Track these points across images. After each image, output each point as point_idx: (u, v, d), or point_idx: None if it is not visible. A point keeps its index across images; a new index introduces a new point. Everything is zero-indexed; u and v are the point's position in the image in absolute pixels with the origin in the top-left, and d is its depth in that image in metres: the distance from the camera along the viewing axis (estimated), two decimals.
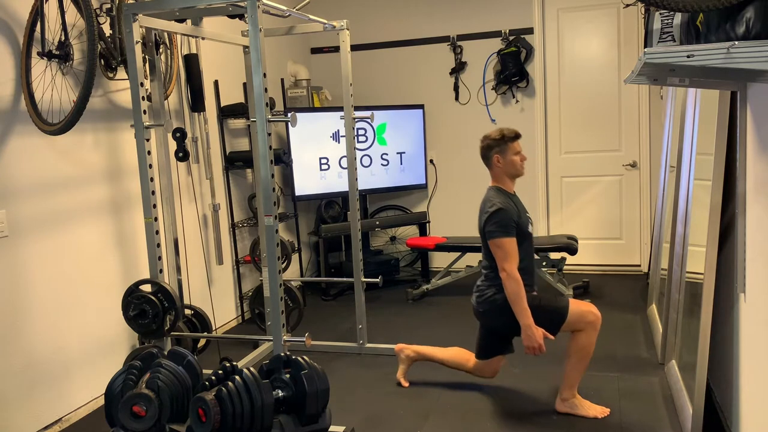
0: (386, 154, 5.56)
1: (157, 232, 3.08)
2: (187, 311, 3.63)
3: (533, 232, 3.18)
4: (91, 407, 3.36)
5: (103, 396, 2.38)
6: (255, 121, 2.80)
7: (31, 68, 2.98)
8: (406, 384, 3.41)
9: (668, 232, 3.65)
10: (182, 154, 3.57)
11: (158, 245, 3.08)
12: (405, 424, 3.03)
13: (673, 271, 3.27)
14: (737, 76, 2.12)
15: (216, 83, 4.53)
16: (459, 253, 5.15)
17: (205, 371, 2.41)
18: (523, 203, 3.17)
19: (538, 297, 3.04)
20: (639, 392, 3.21)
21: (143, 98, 2.99)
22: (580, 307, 3.01)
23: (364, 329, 3.97)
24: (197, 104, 4.22)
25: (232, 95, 4.68)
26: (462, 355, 3.31)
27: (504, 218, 2.94)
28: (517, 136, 3.08)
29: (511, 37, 5.44)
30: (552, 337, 2.94)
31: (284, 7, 3.23)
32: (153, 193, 3.04)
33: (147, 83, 3.33)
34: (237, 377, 2.18)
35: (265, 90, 2.74)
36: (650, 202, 5.36)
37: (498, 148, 3.07)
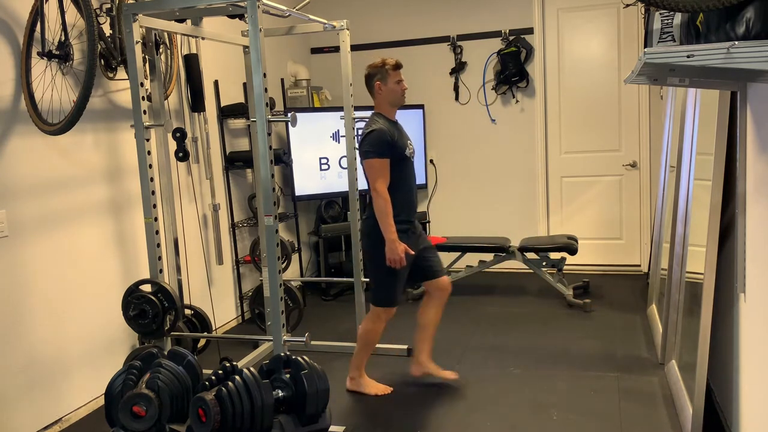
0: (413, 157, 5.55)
1: (157, 232, 3.08)
2: (187, 311, 3.63)
3: (413, 158, 3.27)
4: (91, 407, 3.36)
5: (103, 396, 2.38)
6: (255, 121, 2.81)
7: (31, 68, 2.98)
8: (453, 376, 3.42)
9: (668, 232, 3.65)
10: (182, 154, 3.57)
11: (158, 245, 3.08)
12: (405, 424, 3.03)
13: (673, 271, 3.27)
14: (737, 76, 2.12)
15: (216, 83, 4.53)
16: (459, 253, 5.15)
17: (205, 371, 2.41)
18: (405, 131, 3.28)
19: (409, 235, 3.16)
20: (639, 392, 3.21)
21: (143, 98, 2.99)
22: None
23: None
24: (197, 104, 4.22)
25: (232, 95, 4.68)
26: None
27: (377, 139, 3.06)
28: (398, 65, 3.21)
29: (511, 37, 5.44)
30: (412, 252, 3.10)
31: (284, 7, 3.23)
32: (153, 193, 3.04)
33: (147, 83, 3.33)
34: (237, 377, 2.18)
35: (265, 90, 2.74)
36: (650, 202, 5.36)
37: (379, 75, 3.19)
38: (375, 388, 3.35)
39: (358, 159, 3.21)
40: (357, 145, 3.14)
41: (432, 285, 3.34)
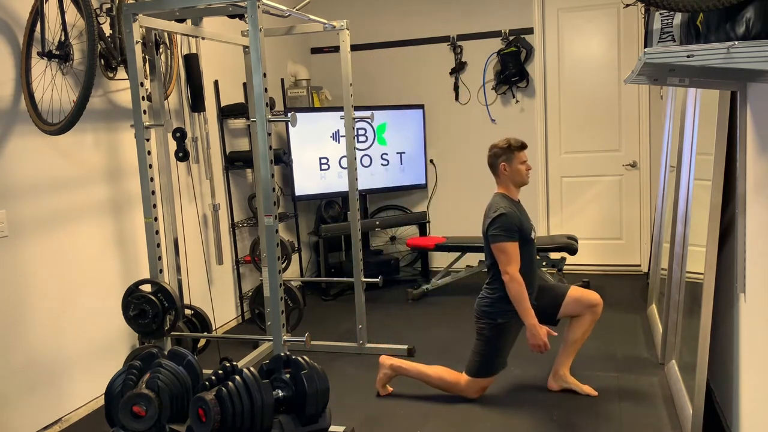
0: (386, 154, 5.56)
1: (157, 232, 3.08)
2: (187, 311, 3.63)
3: (535, 240, 3.24)
4: (91, 407, 3.36)
5: (103, 396, 2.38)
6: (255, 121, 2.80)
7: (31, 68, 2.98)
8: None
9: (668, 232, 3.65)
10: (182, 154, 3.57)
11: (158, 245, 3.08)
12: (405, 424, 3.03)
13: (673, 271, 3.27)
14: (737, 76, 2.12)
15: (216, 83, 4.53)
16: (459, 253, 5.15)
17: (205, 371, 2.41)
18: (526, 211, 3.24)
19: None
20: (639, 392, 3.21)
21: (143, 98, 2.99)
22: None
23: (364, 329, 3.97)
24: (197, 104, 4.22)
25: (232, 95, 4.68)
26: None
27: (507, 223, 3.03)
28: (523, 146, 3.18)
29: (511, 37, 5.44)
30: (554, 333, 3.03)
31: (284, 7, 3.23)
32: (153, 193, 3.04)
33: (147, 83, 3.33)
34: (237, 377, 2.18)
35: (265, 90, 2.74)
36: (650, 202, 5.36)
37: (505, 156, 3.16)
38: (383, 387, 3.35)
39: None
40: (485, 228, 3.10)
41: (574, 305, 3.16)
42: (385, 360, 3.36)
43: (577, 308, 3.17)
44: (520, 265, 3.04)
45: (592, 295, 3.17)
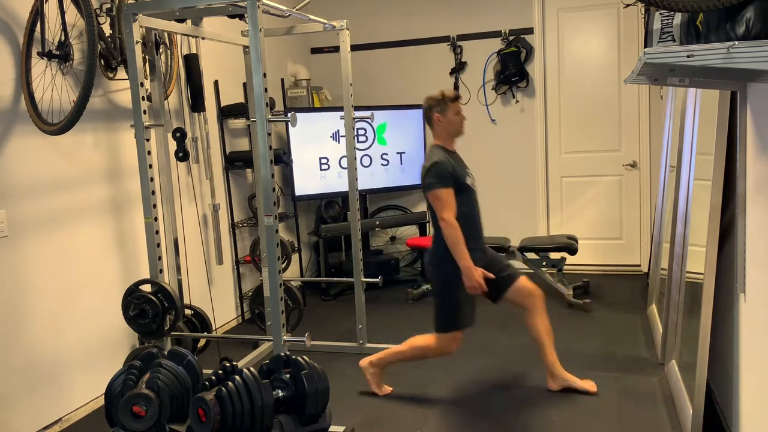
0: (386, 154, 5.56)
1: (157, 232, 3.08)
2: (187, 311, 3.63)
3: (474, 187, 3.25)
4: (91, 407, 3.36)
5: (103, 396, 2.38)
6: (255, 121, 2.80)
7: (31, 68, 2.98)
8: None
9: (668, 232, 3.65)
10: (182, 154, 3.57)
11: (158, 245, 3.08)
12: (405, 424, 3.03)
13: (673, 271, 3.27)
14: (737, 76, 2.12)
15: (216, 83, 4.53)
16: None
17: (205, 371, 2.41)
18: (463, 161, 3.27)
19: (480, 261, 3.12)
20: (639, 392, 3.21)
21: (143, 98, 2.99)
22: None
23: (364, 329, 3.97)
24: (197, 104, 4.22)
25: (232, 95, 4.68)
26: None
27: (439, 170, 3.06)
28: (457, 97, 3.22)
29: (511, 37, 5.44)
30: (490, 275, 3.06)
31: (284, 7, 3.23)
32: (153, 193, 3.04)
33: (147, 83, 3.33)
34: (237, 377, 2.18)
35: (265, 90, 2.74)
36: (650, 202, 5.36)
37: (439, 107, 3.19)
38: (379, 387, 3.36)
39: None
40: (422, 179, 3.11)
41: (516, 294, 3.21)
42: (363, 362, 3.38)
43: (518, 297, 3.21)
44: (460, 213, 3.07)
45: (533, 287, 3.22)
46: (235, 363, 2.33)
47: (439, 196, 3.04)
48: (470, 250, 3.04)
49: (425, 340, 3.22)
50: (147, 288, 3.02)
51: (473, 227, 3.15)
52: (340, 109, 4.05)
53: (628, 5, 4.92)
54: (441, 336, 3.16)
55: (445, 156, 3.12)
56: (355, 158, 3.90)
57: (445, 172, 3.05)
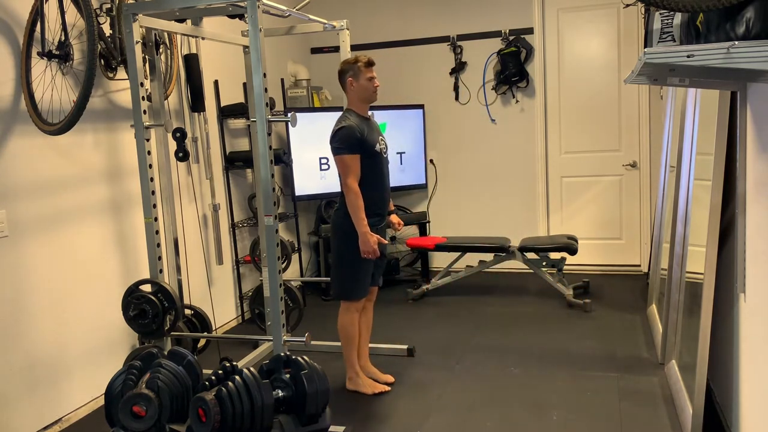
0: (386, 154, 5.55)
1: (157, 232, 3.08)
2: (187, 311, 3.63)
3: (385, 154, 3.31)
4: (91, 407, 3.36)
5: (103, 396, 2.38)
6: (255, 121, 2.81)
7: (31, 68, 2.98)
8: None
9: (668, 232, 3.65)
10: (182, 154, 3.57)
11: (158, 245, 3.08)
12: (405, 424, 3.03)
13: (673, 271, 3.27)
14: (737, 76, 2.12)
15: (216, 83, 4.53)
16: (459, 253, 5.15)
17: (205, 371, 2.42)
18: (377, 128, 3.32)
19: (379, 230, 3.25)
20: (639, 392, 3.21)
21: (143, 98, 2.99)
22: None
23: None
24: (197, 104, 4.22)
25: (232, 95, 4.68)
26: (359, 326, 3.41)
27: (347, 135, 3.12)
28: (370, 62, 3.26)
29: (511, 37, 5.44)
30: (385, 241, 3.21)
31: (284, 7, 3.23)
32: (153, 193, 3.04)
33: (147, 83, 3.33)
34: (237, 377, 2.18)
35: (265, 90, 2.74)
36: (650, 202, 5.36)
37: (352, 72, 3.23)
38: (372, 386, 3.36)
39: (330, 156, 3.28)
40: (330, 142, 3.21)
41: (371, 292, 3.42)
42: (348, 385, 3.39)
43: (371, 294, 3.41)
44: (367, 179, 3.13)
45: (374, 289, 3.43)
46: (235, 363, 2.33)
47: (345, 161, 3.11)
48: (373, 215, 3.15)
49: (339, 321, 3.34)
50: (147, 288, 3.02)
51: (378, 194, 3.23)
52: (340, 109, 4.04)
53: (628, 5, 4.92)
54: (342, 308, 3.29)
55: (356, 121, 3.16)
56: None
57: (353, 138, 3.10)
